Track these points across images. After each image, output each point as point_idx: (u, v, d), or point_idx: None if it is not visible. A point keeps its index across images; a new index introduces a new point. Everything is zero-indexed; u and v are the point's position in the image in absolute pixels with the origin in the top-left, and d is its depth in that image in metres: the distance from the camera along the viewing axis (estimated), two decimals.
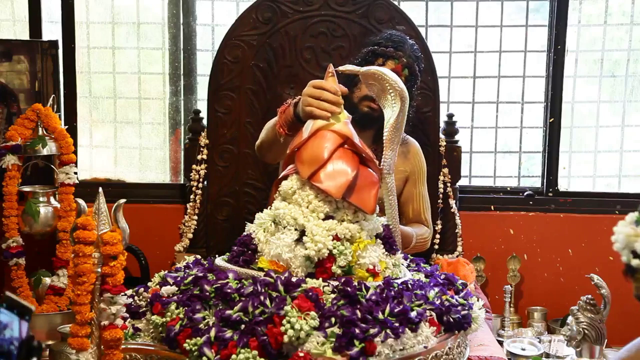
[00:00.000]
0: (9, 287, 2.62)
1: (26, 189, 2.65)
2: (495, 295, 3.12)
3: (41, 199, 2.64)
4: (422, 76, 2.83)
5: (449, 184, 2.94)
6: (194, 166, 2.97)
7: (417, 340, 1.70)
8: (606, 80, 3.25)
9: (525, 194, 3.20)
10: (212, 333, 1.64)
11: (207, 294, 1.77)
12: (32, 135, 2.61)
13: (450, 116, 2.99)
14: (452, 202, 2.95)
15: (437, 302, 1.82)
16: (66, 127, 2.69)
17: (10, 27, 3.30)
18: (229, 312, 1.69)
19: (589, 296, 2.30)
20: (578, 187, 3.28)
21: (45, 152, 2.61)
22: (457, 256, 2.92)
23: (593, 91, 3.25)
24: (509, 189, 3.24)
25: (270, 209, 1.98)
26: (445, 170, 2.93)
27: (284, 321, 1.60)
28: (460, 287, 2.04)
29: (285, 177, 2.00)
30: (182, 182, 3.24)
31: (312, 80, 2.06)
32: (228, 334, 1.64)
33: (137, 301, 1.91)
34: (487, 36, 3.22)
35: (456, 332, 1.83)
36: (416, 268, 2.18)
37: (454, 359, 1.81)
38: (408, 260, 2.21)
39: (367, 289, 1.75)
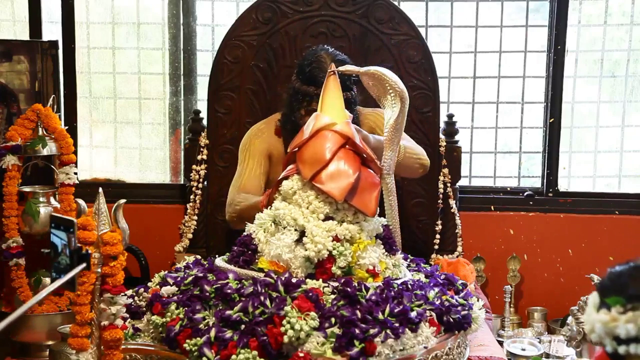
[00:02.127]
0: (9, 287, 2.62)
1: (26, 189, 2.65)
2: (495, 296, 3.12)
3: (41, 199, 2.64)
4: (423, 76, 2.84)
5: (449, 184, 2.94)
6: (194, 166, 2.97)
7: (417, 341, 1.70)
8: (606, 81, 3.25)
9: (525, 194, 3.20)
10: (212, 333, 1.64)
11: (207, 294, 1.77)
12: (32, 136, 2.61)
13: (450, 116, 2.99)
14: (452, 202, 2.95)
15: (437, 303, 1.82)
16: (66, 127, 2.69)
17: (10, 27, 3.29)
18: (229, 312, 1.69)
19: (589, 296, 2.30)
20: (578, 187, 3.27)
21: (45, 152, 2.61)
22: (457, 256, 2.92)
23: (593, 91, 3.25)
24: (509, 189, 3.24)
25: (270, 209, 1.98)
26: (445, 170, 2.93)
27: (284, 321, 1.61)
28: (460, 287, 2.04)
29: (286, 178, 2.00)
30: (182, 182, 3.24)
31: None
32: (228, 334, 1.64)
33: (137, 301, 1.92)
34: (487, 36, 3.22)
35: (456, 332, 1.84)
36: (416, 268, 2.18)
37: (454, 359, 1.81)
38: (408, 260, 2.21)
39: (367, 289, 1.75)
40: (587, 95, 3.25)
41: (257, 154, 2.55)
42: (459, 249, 2.97)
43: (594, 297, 1.03)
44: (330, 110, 2.03)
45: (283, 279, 1.74)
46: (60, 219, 1.38)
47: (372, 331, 1.62)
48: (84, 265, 1.34)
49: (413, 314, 1.71)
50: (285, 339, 1.59)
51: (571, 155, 3.27)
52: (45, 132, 2.64)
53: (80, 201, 1.58)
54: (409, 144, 2.40)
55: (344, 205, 1.91)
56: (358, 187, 1.91)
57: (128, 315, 1.86)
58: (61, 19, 3.20)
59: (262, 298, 1.69)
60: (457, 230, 2.96)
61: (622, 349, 0.97)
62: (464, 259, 2.85)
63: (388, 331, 1.64)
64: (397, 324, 1.66)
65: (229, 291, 1.75)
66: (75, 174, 2.66)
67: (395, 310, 1.69)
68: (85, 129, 3.33)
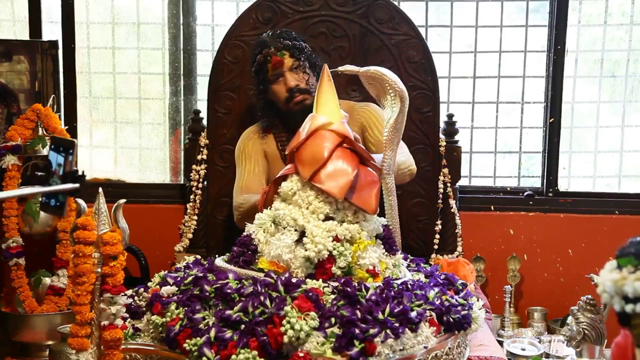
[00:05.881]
0: (9, 287, 2.62)
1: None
2: (495, 296, 3.12)
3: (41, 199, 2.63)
4: (422, 76, 2.84)
5: (448, 184, 2.94)
6: (194, 166, 2.97)
7: (417, 341, 1.70)
8: (606, 81, 3.25)
9: (525, 194, 3.20)
10: (212, 333, 1.64)
11: (207, 294, 1.77)
12: (32, 136, 2.61)
13: (450, 116, 2.99)
14: (452, 202, 2.95)
15: (437, 302, 1.82)
16: (66, 127, 2.69)
17: (10, 27, 3.30)
18: (229, 312, 1.69)
19: (589, 296, 2.30)
20: (578, 187, 3.28)
21: (45, 152, 2.61)
22: (457, 256, 2.92)
23: (593, 91, 3.25)
24: (509, 189, 3.24)
25: (270, 209, 1.98)
26: (445, 170, 2.93)
27: (284, 321, 1.61)
28: (460, 287, 2.04)
29: (284, 177, 2.00)
30: (182, 182, 3.24)
31: None
32: (228, 334, 1.64)
33: (137, 301, 1.92)
34: (487, 36, 3.22)
35: (456, 332, 1.84)
36: (416, 268, 2.18)
37: (453, 359, 1.81)
38: (408, 260, 2.21)
39: (367, 289, 1.75)
40: (587, 95, 3.26)
41: (252, 154, 2.61)
42: (459, 249, 2.97)
43: (611, 262, 1.07)
44: (326, 110, 2.03)
45: (283, 279, 1.74)
46: (60, 140, 1.36)
47: (372, 331, 1.62)
48: (77, 185, 1.32)
49: (413, 314, 1.71)
50: (285, 339, 1.59)
51: (571, 155, 3.27)
52: (45, 132, 2.64)
53: (80, 201, 1.58)
54: (400, 157, 2.40)
55: (344, 205, 1.91)
56: (357, 185, 1.91)
57: (128, 315, 1.86)
58: (61, 19, 3.21)
59: (262, 298, 1.69)
60: (457, 230, 2.96)
61: (629, 308, 1.02)
62: (464, 259, 2.84)
63: (388, 331, 1.64)
64: (397, 324, 1.66)
65: (229, 291, 1.75)
66: None
67: (395, 310, 1.69)
68: (85, 129, 3.33)
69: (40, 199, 1.35)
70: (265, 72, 2.50)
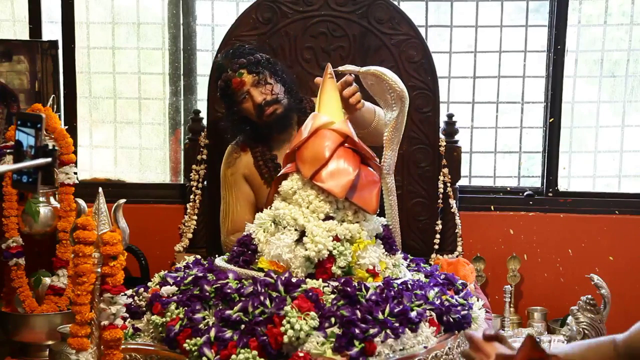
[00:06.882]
0: (9, 287, 2.62)
1: None
2: (495, 295, 3.12)
3: (41, 199, 2.63)
4: (422, 76, 2.84)
5: (448, 184, 2.94)
6: (193, 166, 2.97)
7: (417, 340, 1.71)
8: (606, 80, 3.24)
9: (525, 194, 3.20)
10: (212, 333, 1.65)
11: (207, 294, 1.77)
12: None
13: (450, 116, 2.99)
14: (452, 202, 2.95)
15: (437, 302, 1.83)
16: (66, 127, 2.69)
17: (10, 27, 3.29)
18: (229, 312, 1.69)
19: (589, 296, 2.30)
20: (578, 187, 3.27)
21: None
22: (457, 256, 2.92)
23: (593, 91, 3.25)
24: (509, 189, 3.24)
25: (270, 208, 1.98)
26: (445, 170, 2.93)
27: (284, 321, 1.61)
28: (460, 287, 2.04)
29: (285, 176, 2.00)
30: (182, 182, 3.24)
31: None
32: (228, 334, 1.65)
33: (137, 301, 1.92)
34: (487, 36, 3.22)
35: (456, 332, 1.84)
36: (416, 268, 2.18)
37: (454, 359, 1.81)
38: (408, 260, 2.21)
39: (367, 289, 1.75)
40: (587, 95, 3.25)
41: (233, 184, 2.62)
42: (459, 249, 2.97)
43: None
44: (328, 109, 2.04)
45: (283, 278, 1.74)
46: (27, 115, 1.36)
47: (372, 331, 1.62)
48: (48, 160, 1.33)
49: (413, 314, 1.71)
50: (285, 339, 1.59)
51: (571, 155, 3.27)
52: (45, 132, 2.63)
53: (80, 201, 1.58)
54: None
55: (344, 205, 1.91)
56: (358, 184, 1.91)
57: (128, 315, 1.86)
58: (61, 19, 3.20)
59: (262, 298, 1.69)
60: (457, 230, 2.96)
61: None
62: (464, 259, 2.84)
63: (388, 331, 1.64)
64: (397, 324, 1.66)
65: (229, 291, 1.75)
66: (75, 173, 2.66)
67: (395, 310, 1.70)
68: (85, 129, 3.33)
69: (14, 178, 1.35)
70: (230, 95, 2.48)
